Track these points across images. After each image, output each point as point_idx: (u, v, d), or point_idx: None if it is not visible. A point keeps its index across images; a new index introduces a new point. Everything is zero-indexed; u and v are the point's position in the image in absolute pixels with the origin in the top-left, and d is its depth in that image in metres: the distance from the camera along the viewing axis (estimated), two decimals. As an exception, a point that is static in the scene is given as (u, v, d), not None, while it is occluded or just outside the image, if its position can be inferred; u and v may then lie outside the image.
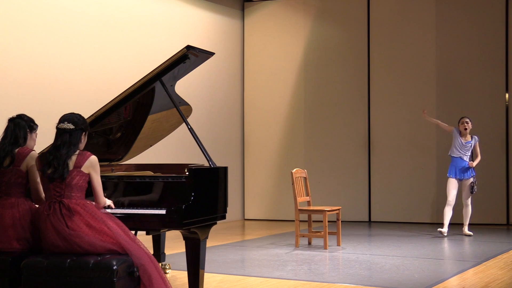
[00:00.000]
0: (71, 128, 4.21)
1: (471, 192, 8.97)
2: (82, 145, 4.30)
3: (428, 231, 9.61)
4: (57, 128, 4.26)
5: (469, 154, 8.98)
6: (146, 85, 5.13)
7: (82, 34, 8.76)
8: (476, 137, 9.06)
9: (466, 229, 9.08)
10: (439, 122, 9.34)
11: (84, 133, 4.29)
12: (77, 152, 4.20)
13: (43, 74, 8.22)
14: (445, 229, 8.92)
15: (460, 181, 8.99)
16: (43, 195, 4.33)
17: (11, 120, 4.57)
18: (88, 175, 4.19)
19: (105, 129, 5.51)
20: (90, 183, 4.25)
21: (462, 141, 8.94)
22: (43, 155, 4.26)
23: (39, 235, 4.21)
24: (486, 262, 6.98)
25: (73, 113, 4.32)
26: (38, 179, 4.35)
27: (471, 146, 9.00)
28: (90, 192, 4.30)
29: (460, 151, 8.94)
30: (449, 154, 9.08)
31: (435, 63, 10.93)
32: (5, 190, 4.41)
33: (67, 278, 3.97)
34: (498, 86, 10.63)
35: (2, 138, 4.52)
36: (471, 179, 8.93)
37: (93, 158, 4.22)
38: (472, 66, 10.75)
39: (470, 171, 8.95)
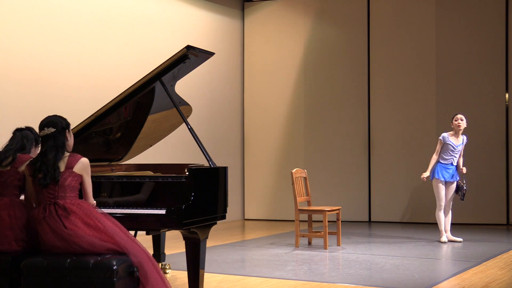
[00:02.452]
0: (53, 131, 4.20)
1: (462, 199, 8.49)
2: (70, 142, 4.29)
3: (428, 231, 9.60)
4: (40, 136, 4.26)
5: (458, 157, 8.44)
6: (146, 85, 5.13)
7: (82, 33, 8.76)
8: (465, 137, 8.51)
9: (451, 235, 8.53)
10: (431, 162, 8.47)
11: (67, 130, 4.28)
12: (67, 154, 4.21)
13: (43, 74, 8.21)
14: (445, 238, 8.43)
15: (445, 183, 8.40)
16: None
17: (18, 130, 4.58)
18: (81, 176, 4.20)
19: (105, 129, 5.52)
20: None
21: (454, 144, 8.36)
22: (31, 162, 4.25)
23: (37, 238, 4.20)
24: (486, 262, 6.98)
25: (49, 116, 4.31)
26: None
27: (462, 148, 8.44)
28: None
29: (452, 154, 8.36)
30: (439, 161, 8.41)
31: (435, 63, 10.92)
32: (1, 191, 4.40)
33: (67, 278, 3.97)
34: (498, 86, 10.62)
35: (8, 145, 4.52)
36: (456, 183, 8.39)
37: (85, 160, 4.23)
38: (472, 66, 10.75)
39: (456, 174, 8.43)
